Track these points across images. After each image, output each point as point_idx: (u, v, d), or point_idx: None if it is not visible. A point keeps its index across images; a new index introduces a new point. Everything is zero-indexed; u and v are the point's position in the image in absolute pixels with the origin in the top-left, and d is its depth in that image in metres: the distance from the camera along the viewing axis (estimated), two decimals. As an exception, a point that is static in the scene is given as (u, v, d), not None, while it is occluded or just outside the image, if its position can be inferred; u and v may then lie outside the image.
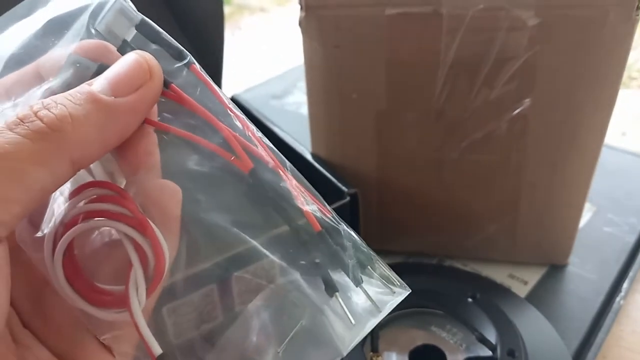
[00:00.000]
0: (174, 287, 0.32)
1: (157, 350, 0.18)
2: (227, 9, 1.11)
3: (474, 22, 0.35)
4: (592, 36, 0.35)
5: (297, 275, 0.21)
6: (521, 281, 0.44)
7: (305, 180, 0.21)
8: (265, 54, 0.97)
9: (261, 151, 0.20)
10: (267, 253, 0.21)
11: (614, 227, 0.50)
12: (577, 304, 0.42)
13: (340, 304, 0.20)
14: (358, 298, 0.20)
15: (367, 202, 0.44)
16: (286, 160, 0.21)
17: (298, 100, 0.72)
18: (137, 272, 0.19)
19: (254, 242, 0.21)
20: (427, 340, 0.34)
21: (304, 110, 0.68)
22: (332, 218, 0.20)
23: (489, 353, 0.32)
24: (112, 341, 0.20)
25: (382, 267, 0.21)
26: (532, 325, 0.34)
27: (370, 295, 0.20)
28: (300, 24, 0.40)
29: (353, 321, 0.20)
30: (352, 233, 0.21)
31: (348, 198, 0.38)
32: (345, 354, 0.20)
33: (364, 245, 0.21)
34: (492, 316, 0.33)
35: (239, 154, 0.19)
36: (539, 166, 0.40)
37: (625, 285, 0.43)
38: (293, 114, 0.69)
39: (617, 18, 0.34)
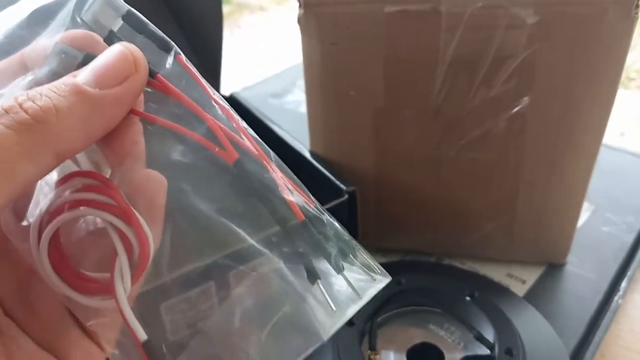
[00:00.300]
0: (171, 285, 0.32)
1: (142, 335, 0.19)
2: (226, 8, 1.11)
3: (472, 20, 0.35)
4: (590, 34, 0.35)
5: (280, 264, 0.21)
6: (519, 280, 0.44)
7: (289, 171, 0.21)
8: (265, 53, 0.97)
9: (246, 142, 0.20)
10: (252, 241, 0.21)
11: (612, 226, 0.49)
12: (575, 303, 0.42)
13: (321, 291, 0.20)
14: (340, 285, 0.21)
15: (365, 199, 0.44)
16: (270, 151, 0.21)
17: (297, 99, 0.72)
18: (122, 260, 0.19)
19: (240, 231, 0.21)
20: (425, 339, 0.34)
21: (303, 108, 0.68)
22: (315, 208, 0.21)
23: (486, 351, 0.32)
24: (97, 328, 0.20)
25: (364, 256, 0.21)
26: (530, 324, 0.34)
27: (352, 283, 0.21)
28: (298, 22, 0.39)
29: (334, 308, 0.20)
30: (335, 223, 0.21)
31: (346, 196, 0.38)
32: (325, 339, 0.20)
33: (346, 234, 0.21)
34: (490, 315, 0.33)
35: (224, 144, 0.20)
36: (537, 165, 0.40)
37: (623, 284, 0.43)
38: (292, 112, 0.69)
39: (616, 16, 0.34)
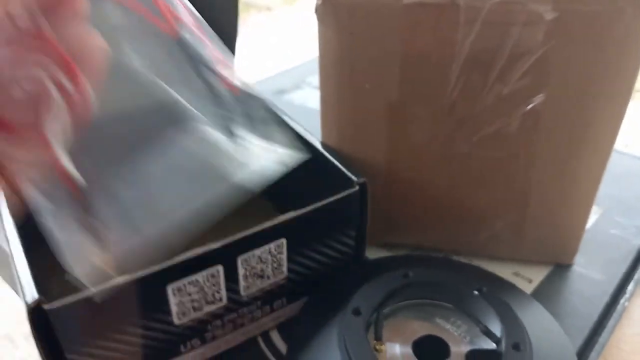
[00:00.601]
0: (177, 266, 0.32)
1: (81, 181, 0.19)
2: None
3: (490, 15, 0.35)
4: (606, 32, 0.35)
5: (207, 126, 0.23)
6: (526, 279, 0.44)
7: (222, 45, 0.23)
8: (272, 51, 0.97)
9: (183, 12, 0.21)
10: (183, 101, 0.22)
11: (620, 229, 0.49)
12: (581, 303, 0.42)
13: (241, 148, 0.23)
14: (257, 149, 0.23)
15: (374, 193, 0.44)
16: (203, 21, 0.22)
17: (306, 95, 0.72)
18: (55, 103, 0.18)
19: (177, 96, 0.22)
20: (431, 332, 0.34)
21: (311, 104, 0.69)
22: (244, 83, 0.22)
23: (493, 346, 0.32)
24: (21, 168, 0.20)
25: (282, 134, 0.24)
26: (537, 321, 0.34)
27: (268, 148, 0.22)
28: (316, 11, 0.39)
29: (251, 165, 0.23)
30: (260, 97, 0.23)
31: (357, 187, 0.38)
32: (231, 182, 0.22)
33: (270, 108, 0.24)
34: (498, 310, 0.33)
35: (164, 16, 0.20)
36: (548, 164, 0.40)
37: (630, 287, 0.43)
38: (301, 107, 0.69)
39: (633, 15, 0.34)
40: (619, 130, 0.38)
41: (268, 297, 0.38)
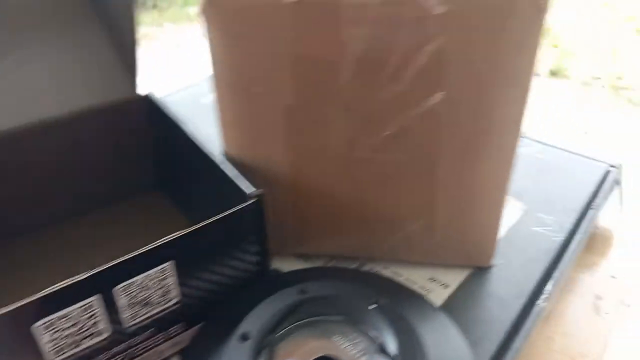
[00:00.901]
0: (48, 299, 0.29)
1: None
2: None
3: (376, 13, 0.33)
4: (501, 25, 0.33)
5: None
6: (442, 284, 0.42)
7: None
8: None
9: None
10: None
11: (543, 226, 0.48)
12: (497, 307, 0.40)
13: None
14: None
15: (283, 203, 0.42)
16: None
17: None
18: None
19: None
20: (328, 351, 0.32)
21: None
22: None
23: (389, 364, 0.30)
24: None
25: None
26: (438, 334, 0.32)
27: None
28: (202, 12, 0.37)
29: None
30: None
31: (251, 200, 0.36)
32: None
33: None
34: (394, 324, 0.31)
35: None
36: (453, 165, 0.38)
37: (549, 286, 0.42)
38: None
39: (526, 5, 0.32)
40: (521, 126, 0.37)
41: (162, 324, 0.35)
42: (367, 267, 0.44)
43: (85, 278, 0.31)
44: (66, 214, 0.49)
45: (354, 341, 0.32)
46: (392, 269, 0.44)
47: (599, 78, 1.17)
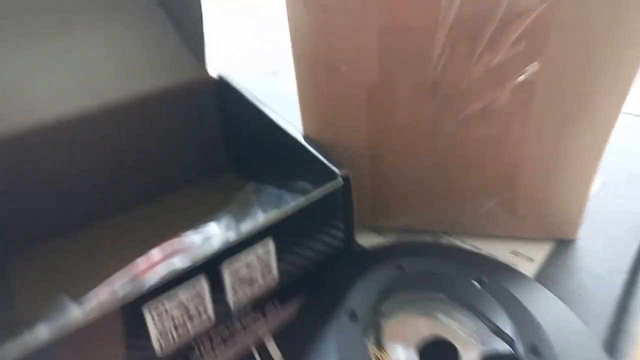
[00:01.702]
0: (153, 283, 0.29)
1: None
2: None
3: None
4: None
5: None
6: (527, 258, 0.41)
7: None
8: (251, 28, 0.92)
9: None
10: None
11: (623, 199, 0.46)
12: (593, 283, 0.38)
13: None
14: None
15: (360, 179, 0.41)
16: None
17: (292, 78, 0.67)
18: None
19: None
20: (435, 331, 0.31)
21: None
22: None
23: (507, 348, 0.29)
24: None
25: None
26: (551, 313, 0.31)
27: None
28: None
29: None
30: None
31: (341, 180, 0.35)
32: None
33: None
34: (504, 303, 0.30)
35: None
36: (543, 140, 0.36)
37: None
38: (285, 93, 0.65)
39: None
40: (625, 99, 0.35)
41: (261, 304, 0.35)
42: (443, 241, 0.43)
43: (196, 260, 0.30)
44: (139, 198, 0.48)
45: (463, 322, 0.31)
46: (470, 242, 0.42)
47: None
